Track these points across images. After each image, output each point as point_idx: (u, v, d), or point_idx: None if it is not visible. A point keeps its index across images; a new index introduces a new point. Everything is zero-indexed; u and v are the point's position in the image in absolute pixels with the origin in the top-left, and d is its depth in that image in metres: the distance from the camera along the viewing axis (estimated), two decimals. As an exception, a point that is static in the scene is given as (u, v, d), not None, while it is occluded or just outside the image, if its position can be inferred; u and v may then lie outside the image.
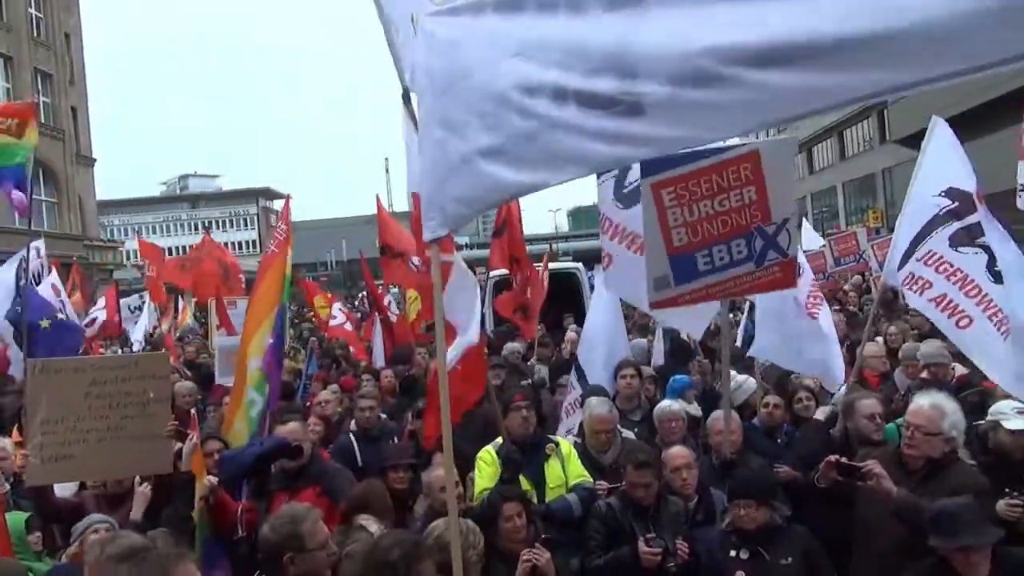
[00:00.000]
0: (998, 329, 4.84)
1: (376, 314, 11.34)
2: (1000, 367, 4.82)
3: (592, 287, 15.40)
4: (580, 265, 15.05)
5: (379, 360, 10.34)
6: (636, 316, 11.89)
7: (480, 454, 5.06)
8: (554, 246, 29.90)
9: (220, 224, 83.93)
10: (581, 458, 5.18)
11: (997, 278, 4.93)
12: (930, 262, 5.26)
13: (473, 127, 2.93)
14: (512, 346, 9.99)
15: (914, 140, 5.88)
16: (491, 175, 2.93)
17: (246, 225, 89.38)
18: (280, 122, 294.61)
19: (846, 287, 15.24)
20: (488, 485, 4.79)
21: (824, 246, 14.34)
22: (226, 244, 34.76)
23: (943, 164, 5.50)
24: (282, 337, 6.46)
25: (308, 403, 7.69)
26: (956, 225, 5.24)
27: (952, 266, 5.16)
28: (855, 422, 4.85)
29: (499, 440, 5.12)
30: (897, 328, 8.92)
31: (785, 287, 5.27)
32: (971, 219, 5.19)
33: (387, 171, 51.54)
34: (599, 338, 7.16)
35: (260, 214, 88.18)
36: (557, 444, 5.16)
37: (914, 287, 5.34)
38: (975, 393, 5.67)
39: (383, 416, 6.98)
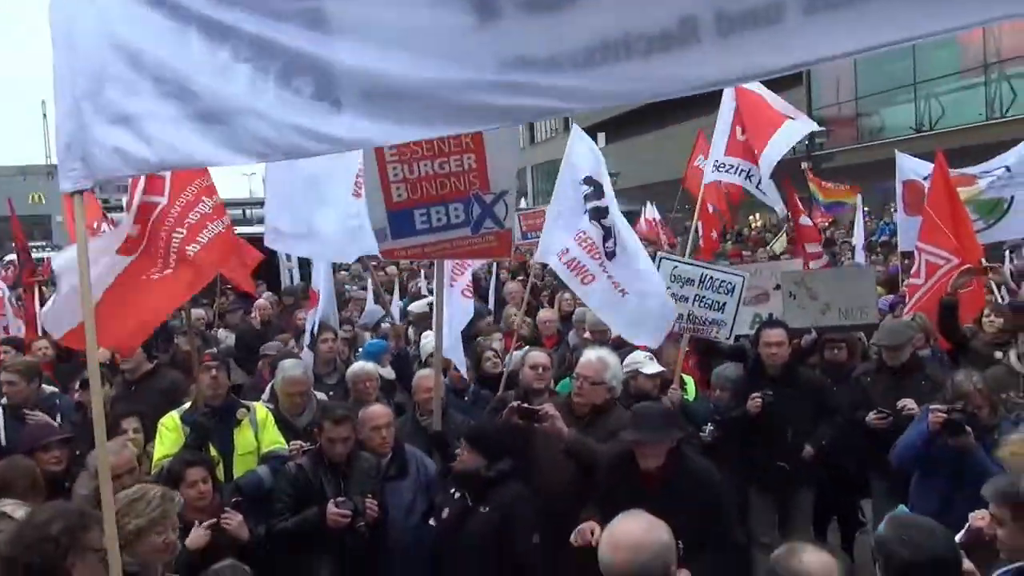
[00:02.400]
0: (615, 288, 5.79)
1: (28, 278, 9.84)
2: (617, 318, 5.86)
3: (288, 255, 14.92)
4: None
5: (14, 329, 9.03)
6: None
7: (163, 420, 4.70)
8: (248, 211, 28.35)
9: None
10: (276, 423, 5.04)
11: (608, 255, 5.85)
12: (579, 240, 5.97)
13: (140, 87, 2.73)
14: (196, 313, 9.32)
15: (592, 132, 6.67)
16: (163, 139, 2.75)
17: None
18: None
19: (531, 260, 16.63)
20: (170, 452, 4.47)
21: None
22: None
23: (582, 159, 6.30)
24: None
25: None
26: (592, 204, 6.03)
27: (585, 233, 5.95)
28: (523, 373, 5.33)
29: (185, 406, 4.80)
30: (570, 294, 9.77)
31: (500, 256, 5.62)
32: (601, 202, 6.03)
33: (44, 116, 44.05)
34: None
35: None
36: (249, 409, 4.96)
37: (568, 263, 5.98)
38: (628, 350, 6.51)
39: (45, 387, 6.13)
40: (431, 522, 4.37)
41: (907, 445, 4.64)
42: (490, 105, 2.52)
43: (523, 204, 26.85)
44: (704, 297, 5.97)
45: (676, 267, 6.00)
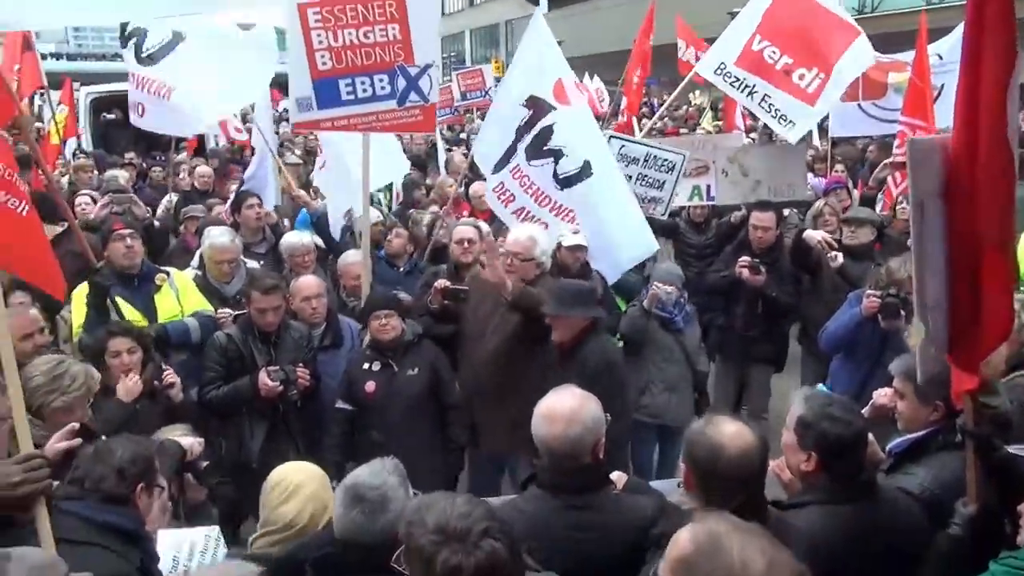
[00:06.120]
0: (568, 222, 5.46)
1: None
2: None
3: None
4: None
5: None
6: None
7: (76, 291, 4.53)
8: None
9: None
10: (203, 292, 4.96)
11: (563, 184, 5.45)
12: (516, 176, 5.60)
13: None
14: (115, 174, 8.84)
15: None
16: None
17: None
18: None
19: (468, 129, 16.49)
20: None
21: (451, 81, 14.97)
22: None
23: (530, 68, 5.75)
24: None
25: None
26: (528, 137, 5.54)
27: (529, 179, 5.55)
28: (451, 247, 5.38)
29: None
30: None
31: (424, 130, 5.95)
32: (543, 123, 5.49)
33: None
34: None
35: None
36: (169, 274, 4.86)
37: (501, 197, 5.68)
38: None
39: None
40: (343, 405, 4.44)
41: (838, 327, 4.79)
42: None
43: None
44: (646, 175, 5.97)
45: (624, 146, 5.95)
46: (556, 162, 5.44)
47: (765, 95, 6.69)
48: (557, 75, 5.66)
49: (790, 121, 6.78)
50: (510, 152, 5.64)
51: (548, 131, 5.48)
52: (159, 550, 2.71)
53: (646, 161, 5.94)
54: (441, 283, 4.65)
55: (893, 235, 6.17)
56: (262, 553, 2.67)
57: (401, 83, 4.93)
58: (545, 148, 5.49)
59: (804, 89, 6.70)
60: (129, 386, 3.86)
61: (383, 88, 4.92)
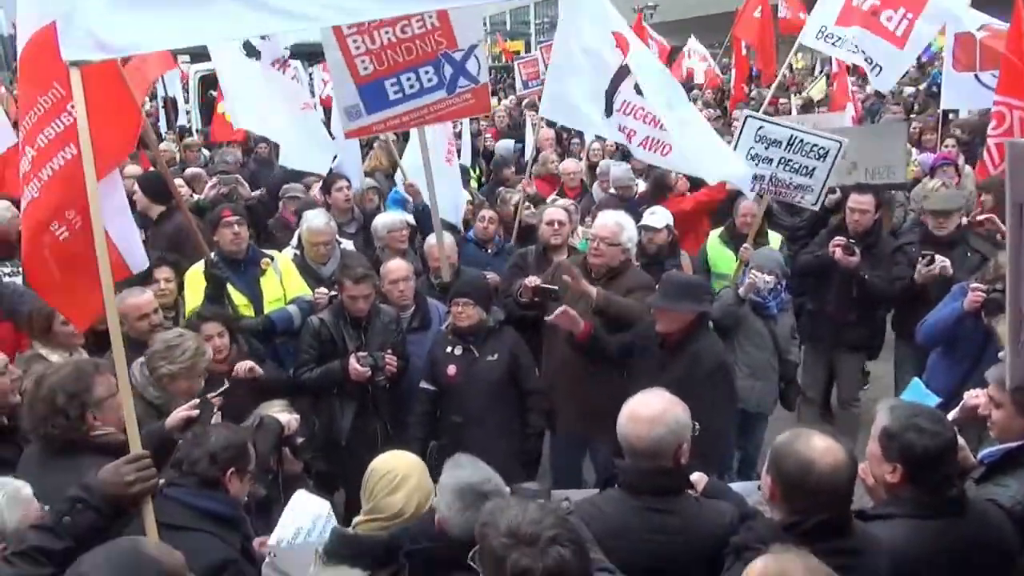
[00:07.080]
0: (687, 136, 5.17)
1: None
2: (704, 166, 5.21)
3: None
4: None
5: None
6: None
7: (187, 273, 4.83)
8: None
9: None
10: (301, 271, 5.18)
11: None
12: (628, 111, 5.41)
13: None
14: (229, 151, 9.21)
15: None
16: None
17: None
18: None
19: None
20: (200, 303, 4.64)
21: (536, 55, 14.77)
22: None
23: (596, 17, 5.47)
24: None
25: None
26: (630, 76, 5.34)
27: (644, 110, 5.34)
28: (540, 229, 5.41)
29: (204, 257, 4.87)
30: (599, 143, 9.47)
31: (479, 112, 5.49)
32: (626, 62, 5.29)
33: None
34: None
35: None
36: (273, 259, 5.09)
37: (629, 137, 5.49)
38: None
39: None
40: (427, 386, 4.56)
41: (938, 321, 4.55)
42: None
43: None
44: (790, 160, 5.52)
45: (761, 127, 5.52)
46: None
47: (855, 39, 6.58)
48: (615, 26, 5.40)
49: (876, 64, 6.61)
50: (611, 92, 5.43)
51: (625, 69, 5.32)
52: (286, 518, 2.89)
53: (790, 145, 5.49)
54: (532, 280, 4.65)
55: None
56: (367, 535, 2.80)
57: (448, 70, 4.83)
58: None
59: (892, 32, 6.53)
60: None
61: (430, 80, 4.84)
